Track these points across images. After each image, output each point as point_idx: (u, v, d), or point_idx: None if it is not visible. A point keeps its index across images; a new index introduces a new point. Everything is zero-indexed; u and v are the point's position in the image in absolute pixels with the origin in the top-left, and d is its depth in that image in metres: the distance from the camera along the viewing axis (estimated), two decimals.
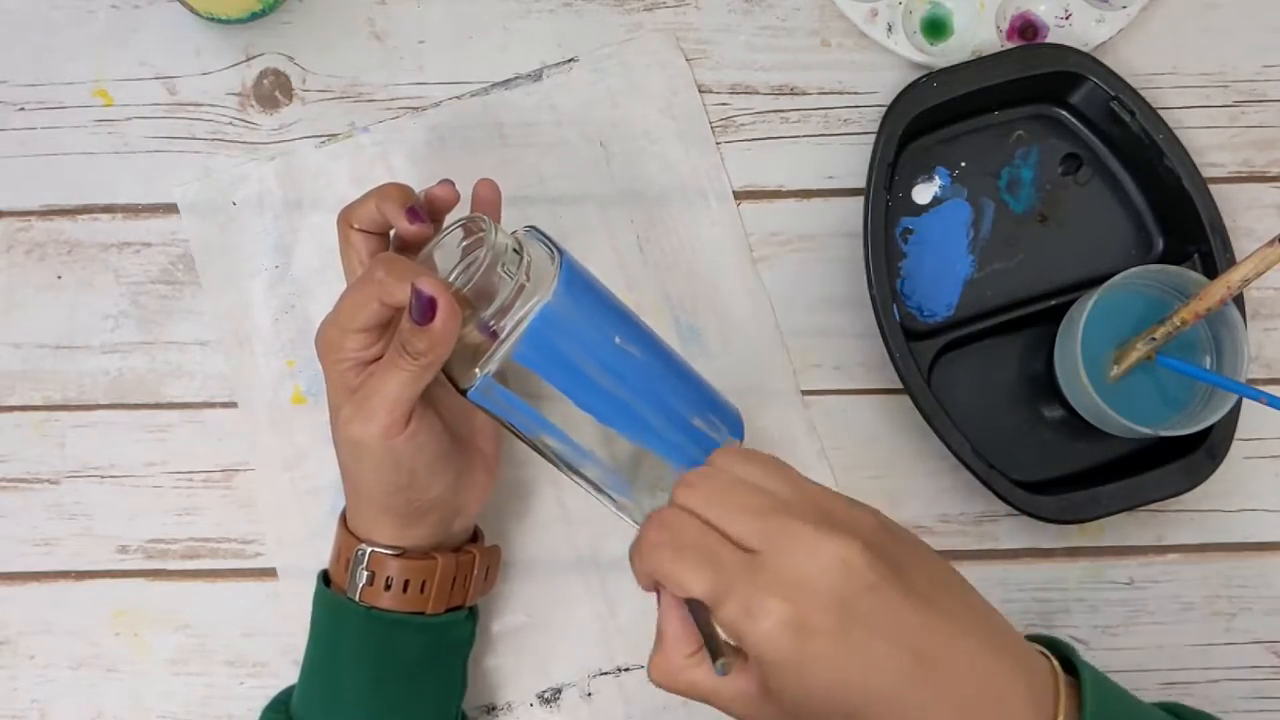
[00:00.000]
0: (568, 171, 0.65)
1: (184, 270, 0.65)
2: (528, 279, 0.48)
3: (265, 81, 0.66)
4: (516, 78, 0.66)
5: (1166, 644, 0.62)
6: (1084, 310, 0.58)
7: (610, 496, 0.53)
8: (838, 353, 0.63)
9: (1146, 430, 0.58)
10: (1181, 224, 0.63)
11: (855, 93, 0.66)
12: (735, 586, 0.38)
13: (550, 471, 0.58)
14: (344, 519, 0.54)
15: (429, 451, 0.50)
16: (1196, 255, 0.63)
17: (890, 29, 0.65)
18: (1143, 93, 0.66)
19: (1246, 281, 0.56)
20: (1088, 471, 0.63)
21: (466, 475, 0.54)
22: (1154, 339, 0.59)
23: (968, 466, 0.60)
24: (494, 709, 0.62)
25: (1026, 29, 0.66)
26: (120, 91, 0.66)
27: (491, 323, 0.48)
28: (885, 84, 0.66)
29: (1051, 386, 0.62)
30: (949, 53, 0.65)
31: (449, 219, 0.54)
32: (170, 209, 0.65)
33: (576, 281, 0.50)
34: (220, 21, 0.66)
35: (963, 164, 0.65)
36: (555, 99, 0.66)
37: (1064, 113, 0.65)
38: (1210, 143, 0.66)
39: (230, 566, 0.63)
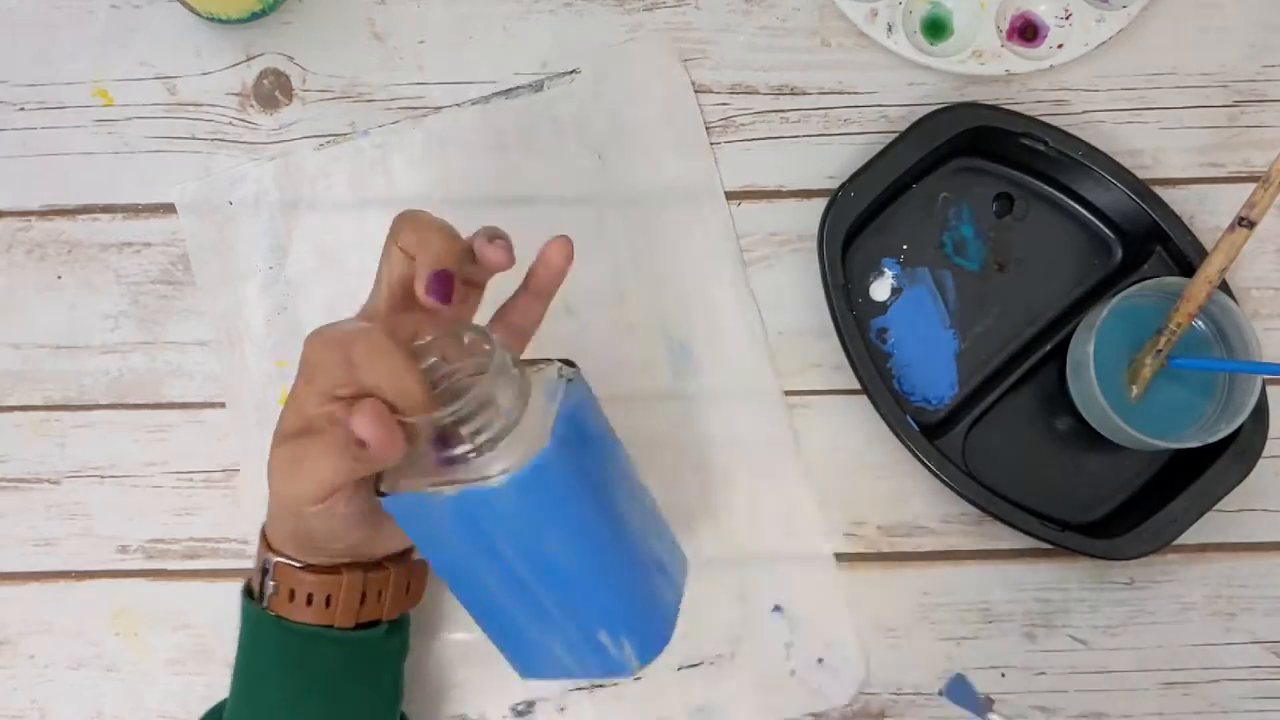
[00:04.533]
0: (566, 180, 0.65)
1: (184, 270, 0.65)
2: (501, 436, 0.43)
3: (265, 81, 0.66)
4: (517, 87, 0.66)
5: (1166, 644, 0.62)
6: (1087, 353, 0.58)
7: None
8: (838, 352, 0.63)
9: (1195, 442, 0.58)
10: (1133, 224, 0.64)
11: (855, 93, 0.66)
12: None
13: None
14: (264, 526, 0.52)
15: (344, 517, 0.46)
16: (1160, 249, 0.63)
17: (890, 29, 0.65)
18: (1142, 93, 0.66)
19: (1223, 270, 0.58)
20: (1146, 488, 0.63)
21: (388, 527, 0.48)
22: (1159, 350, 0.59)
23: (1044, 539, 0.60)
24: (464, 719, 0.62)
25: (1026, 29, 0.66)
26: (120, 91, 0.66)
27: (441, 453, 0.44)
28: (885, 84, 0.66)
29: (1079, 419, 0.62)
30: (949, 52, 0.65)
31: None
32: (170, 209, 0.65)
33: (541, 484, 0.43)
34: (220, 21, 0.66)
35: (904, 247, 0.65)
36: (556, 109, 0.66)
37: (980, 160, 0.65)
38: (1210, 142, 0.66)
39: (230, 566, 0.63)
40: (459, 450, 0.43)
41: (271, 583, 0.51)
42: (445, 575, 0.48)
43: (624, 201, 0.65)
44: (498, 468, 0.43)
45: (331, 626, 0.51)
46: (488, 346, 0.45)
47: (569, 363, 0.48)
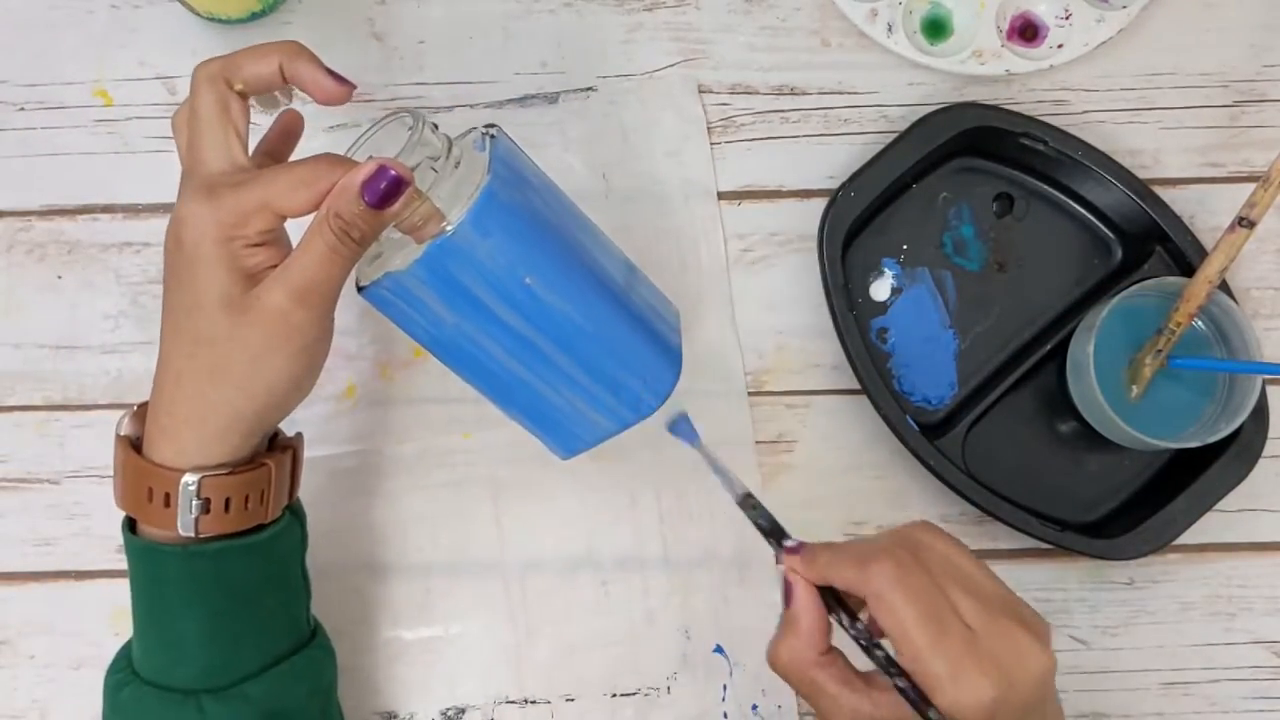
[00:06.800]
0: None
1: None
2: (445, 191, 0.46)
3: None
4: (530, 96, 0.66)
5: (1166, 644, 0.62)
6: (1087, 353, 0.58)
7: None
8: (838, 352, 0.63)
9: (1195, 442, 0.59)
10: (1133, 224, 0.64)
11: (855, 93, 0.66)
12: (952, 650, 0.41)
13: (488, 492, 0.60)
14: (134, 451, 0.48)
15: (316, 347, 0.47)
16: (1159, 249, 0.63)
17: (890, 29, 0.65)
18: (1142, 93, 0.66)
19: (1223, 270, 0.58)
20: (1146, 488, 0.63)
21: (317, 367, 0.49)
22: (1159, 350, 0.59)
23: (1044, 539, 0.60)
24: (394, 717, 0.61)
25: (1026, 29, 0.66)
26: (120, 91, 0.66)
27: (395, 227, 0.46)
28: (885, 84, 0.66)
29: (1079, 419, 0.62)
30: (949, 52, 0.65)
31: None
32: (171, 209, 0.65)
33: (495, 213, 0.46)
34: (220, 22, 0.66)
35: (904, 247, 0.65)
36: (567, 124, 0.65)
37: (979, 160, 0.65)
38: (1210, 142, 0.66)
39: None
40: (407, 211, 0.45)
41: (198, 502, 0.46)
42: (450, 358, 0.50)
43: (620, 227, 0.63)
44: (452, 214, 0.45)
45: (250, 531, 0.48)
46: (416, 119, 0.47)
47: (491, 125, 0.50)
